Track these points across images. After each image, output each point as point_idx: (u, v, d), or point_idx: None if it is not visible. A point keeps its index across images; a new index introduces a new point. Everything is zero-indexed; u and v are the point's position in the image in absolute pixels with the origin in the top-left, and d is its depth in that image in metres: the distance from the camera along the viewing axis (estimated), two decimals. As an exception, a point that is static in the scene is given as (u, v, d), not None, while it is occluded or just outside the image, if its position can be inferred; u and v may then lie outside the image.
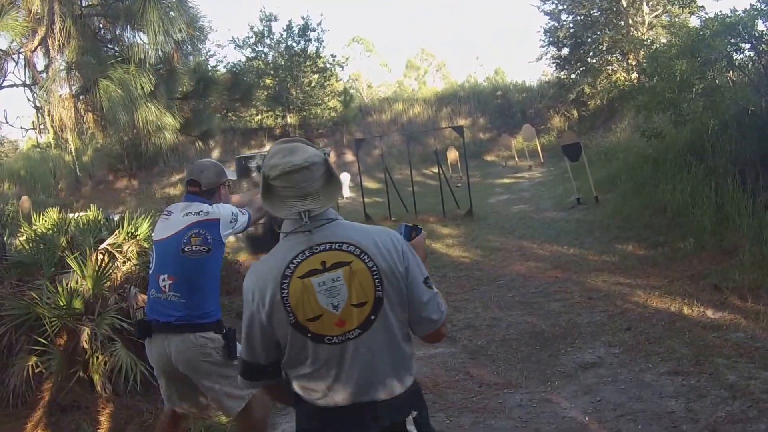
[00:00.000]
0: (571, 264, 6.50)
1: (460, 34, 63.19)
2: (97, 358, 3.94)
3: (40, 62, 5.48)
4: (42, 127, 5.72)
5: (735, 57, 7.52)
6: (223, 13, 54.18)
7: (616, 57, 18.53)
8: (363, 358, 1.59)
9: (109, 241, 4.98)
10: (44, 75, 5.40)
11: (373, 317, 1.59)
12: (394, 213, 10.65)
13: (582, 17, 18.61)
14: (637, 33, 17.23)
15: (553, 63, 20.24)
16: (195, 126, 7.22)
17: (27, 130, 6.57)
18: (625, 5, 17.43)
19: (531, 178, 14.80)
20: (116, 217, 5.88)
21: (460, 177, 14.44)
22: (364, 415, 1.60)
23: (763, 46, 7.23)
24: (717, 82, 7.44)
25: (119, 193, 17.89)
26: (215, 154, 18.03)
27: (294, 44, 19.88)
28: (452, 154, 16.69)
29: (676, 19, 15.89)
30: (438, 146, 15.92)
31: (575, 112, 19.91)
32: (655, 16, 17.61)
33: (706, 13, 11.23)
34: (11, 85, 5.49)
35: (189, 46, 6.24)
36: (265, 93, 19.44)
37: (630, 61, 17.69)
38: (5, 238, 5.30)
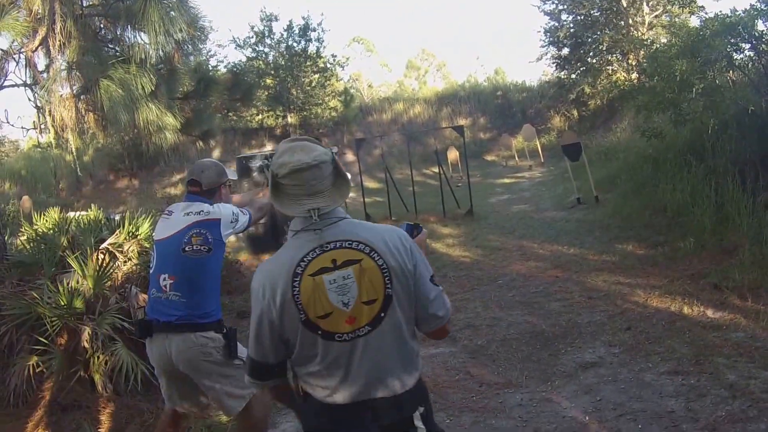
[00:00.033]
0: (572, 264, 6.50)
1: (460, 34, 63.25)
2: (98, 357, 3.95)
3: (40, 62, 5.49)
4: (43, 126, 5.72)
5: (735, 57, 7.52)
6: (224, 13, 54.24)
7: (616, 57, 18.54)
8: (372, 354, 1.61)
9: (110, 240, 4.99)
10: (45, 75, 5.40)
11: (382, 314, 1.61)
12: (395, 213, 10.65)
13: (582, 17, 18.61)
14: (637, 33, 17.23)
15: (553, 63, 20.25)
16: (196, 126, 7.23)
17: (28, 129, 6.57)
18: (625, 5, 17.43)
19: (531, 178, 14.81)
20: (117, 217, 5.88)
21: (461, 177, 14.44)
22: (373, 412, 1.61)
23: (763, 46, 7.23)
24: (717, 82, 7.44)
25: (120, 192, 17.89)
26: (216, 153, 18.03)
27: (294, 44, 19.89)
28: (453, 154, 16.69)
29: (676, 19, 15.90)
30: (438, 146, 15.92)
31: (575, 112, 19.91)
32: (655, 16, 17.61)
33: (706, 13, 11.25)
34: (12, 85, 5.50)
35: (190, 46, 6.24)
36: (266, 93, 19.44)
37: (630, 61, 17.69)
38: (6, 238, 5.30)
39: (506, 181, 15.05)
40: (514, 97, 23.03)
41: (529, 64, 54.12)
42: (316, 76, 20.00)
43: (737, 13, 7.07)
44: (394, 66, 45.86)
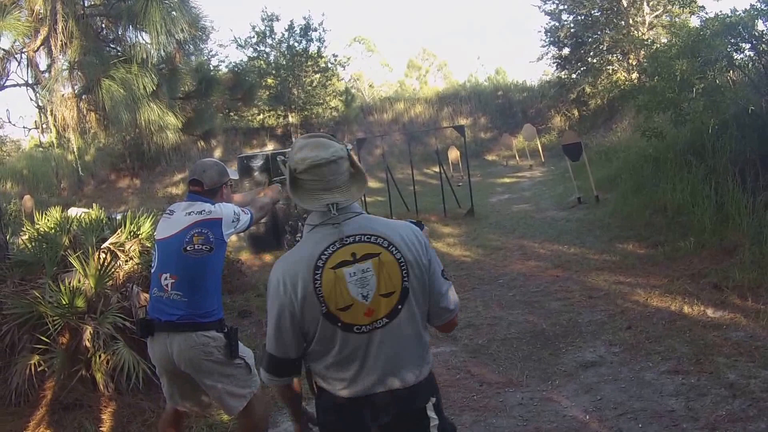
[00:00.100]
0: (572, 263, 6.51)
1: (461, 34, 63.17)
2: (100, 356, 3.95)
3: (42, 62, 5.51)
4: (44, 126, 5.73)
5: (735, 57, 7.53)
6: (225, 13, 54.26)
7: (616, 57, 18.55)
8: (388, 346, 1.65)
9: (112, 240, 5.00)
10: (47, 75, 5.42)
11: (399, 306, 1.66)
12: (396, 212, 10.65)
13: (583, 17, 18.62)
14: (637, 33, 17.23)
15: (553, 63, 20.28)
16: (197, 125, 7.23)
17: (29, 129, 6.61)
18: (625, 5, 17.44)
19: (532, 178, 14.81)
20: (118, 216, 5.89)
21: (461, 176, 14.45)
22: (387, 402, 1.66)
23: (763, 46, 7.23)
24: (717, 81, 7.45)
25: (121, 192, 17.92)
26: (217, 153, 18.03)
27: (296, 44, 19.91)
28: (453, 154, 16.71)
29: (677, 19, 15.88)
30: (439, 146, 15.91)
31: (576, 112, 19.93)
32: (656, 16, 17.62)
33: (706, 13, 11.18)
34: (14, 85, 5.52)
35: (191, 46, 6.25)
36: (267, 92, 19.46)
37: (630, 61, 17.70)
38: (8, 237, 5.31)
39: (507, 180, 15.06)
40: (514, 96, 23.06)
41: (530, 64, 54.15)
42: (317, 75, 20.02)
43: (737, 13, 7.08)
44: (395, 66, 45.88)
